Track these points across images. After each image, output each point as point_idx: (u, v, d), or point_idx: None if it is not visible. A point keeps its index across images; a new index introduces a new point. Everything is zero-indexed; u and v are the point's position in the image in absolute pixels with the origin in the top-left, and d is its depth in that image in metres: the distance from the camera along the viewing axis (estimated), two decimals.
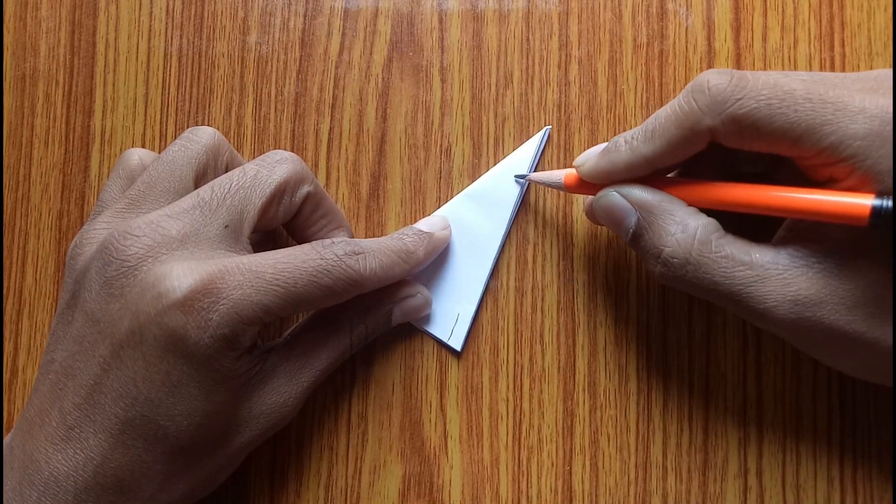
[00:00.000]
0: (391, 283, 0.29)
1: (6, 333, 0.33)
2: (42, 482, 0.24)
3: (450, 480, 0.31)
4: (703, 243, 0.25)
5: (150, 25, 0.34)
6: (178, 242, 0.25)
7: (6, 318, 0.33)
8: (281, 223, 0.29)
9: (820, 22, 0.32)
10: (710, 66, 0.32)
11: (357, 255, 0.27)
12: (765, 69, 0.32)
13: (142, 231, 0.25)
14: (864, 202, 0.23)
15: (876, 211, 0.22)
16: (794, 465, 0.30)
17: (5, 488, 0.25)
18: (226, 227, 0.26)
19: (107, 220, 0.27)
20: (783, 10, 0.32)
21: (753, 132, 0.24)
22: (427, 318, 0.31)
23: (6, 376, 0.33)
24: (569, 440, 0.31)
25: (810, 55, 0.32)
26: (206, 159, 0.28)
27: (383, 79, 0.33)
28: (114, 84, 0.34)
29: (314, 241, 0.27)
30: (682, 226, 0.25)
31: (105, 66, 0.34)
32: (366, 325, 0.30)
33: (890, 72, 0.25)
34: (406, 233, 0.30)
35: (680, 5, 0.32)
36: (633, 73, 0.32)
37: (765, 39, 0.32)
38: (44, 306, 0.33)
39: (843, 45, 0.32)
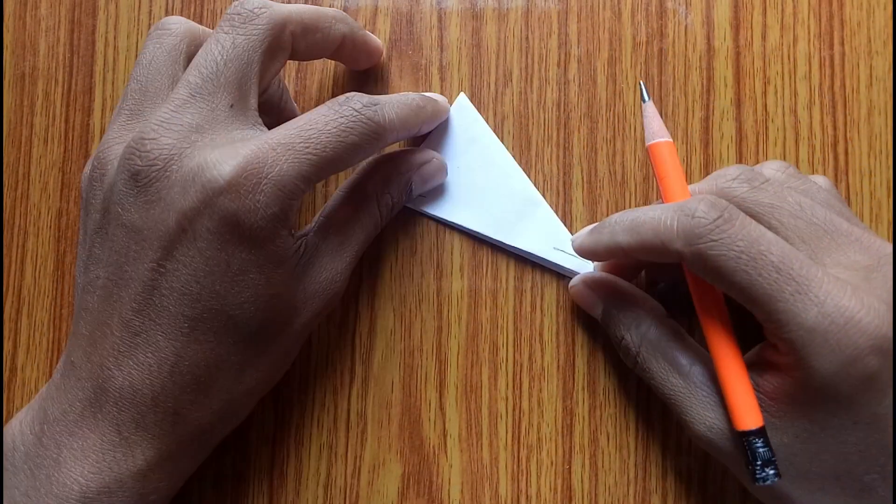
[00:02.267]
0: (408, 136, 0.30)
1: (5, 332, 0.33)
2: (117, 388, 0.24)
3: (449, 479, 0.31)
4: (651, 343, 0.27)
5: (150, 24, 0.34)
6: (195, 133, 0.25)
7: (5, 316, 0.33)
8: (303, 59, 0.30)
9: (819, 20, 0.32)
10: (709, 65, 0.32)
11: (374, 105, 0.27)
12: (764, 67, 0.32)
13: (156, 132, 0.25)
14: (750, 421, 0.24)
15: (747, 442, 0.24)
16: None
17: (78, 398, 0.25)
18: (231, 106, 0.26)
19: (114, 135, 0.27)
20: (782, 9, 0.32)
21: (715, 276, 0.24)
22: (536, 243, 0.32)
23: (5, 375, 0.33)
24: (568, 439, 0.31)
25: (810, 53, 0.32)
26: (185, 47, 0.27)
27: (383, 77, 0.33)
28: (113, 83, 0.34)
29: (329, 101, 0.26)
30: (637, 321, 0.28)
31: (104, 64, 0.34)
32: (390, 195, 0.30)
33: None
34: (409, 93, 0.30)
35: (679, 4, 0.32)
36: (633, 71, 0.32)
37: (764, 38, 0.32)
38: (43, 305, 0.33)
39: (842, 44, 0.32)
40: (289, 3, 0.34)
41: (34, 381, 0.33)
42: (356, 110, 0.26)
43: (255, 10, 0.26)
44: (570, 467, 0.31)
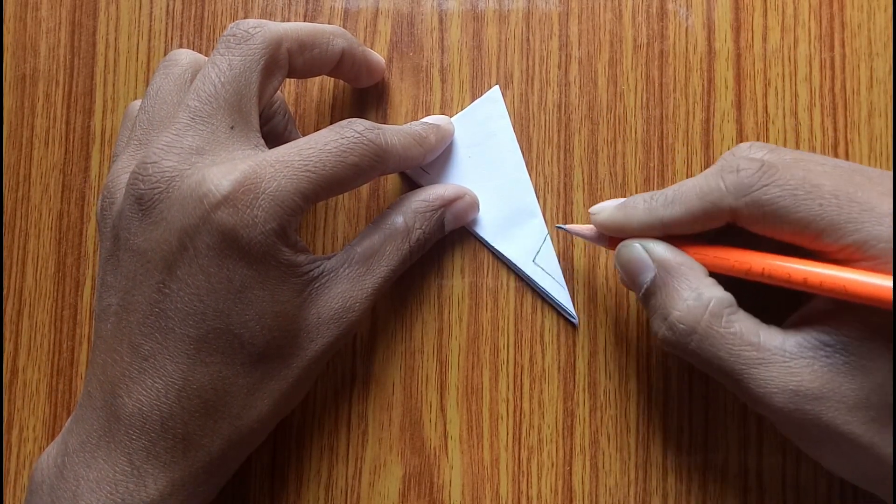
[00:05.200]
0: (410, 166, 0.30)
1: (6, 334, 0.33)
2: (127, 416, 0.24)
3: (450, 480, 0.31)
4: (715, 315, 0.24)
5: (150, 26, 0.34)
6: (196, 155, 0.25)
7: (6, 318, 0.33)
8: (302, 76, 0.30)
9: (820, 22, 0.32)
10: (710, 67, 0.32)
11: (376, 129, 0.27)
12: (765, 69, 0.32)
13: (158, 156, 0.25)
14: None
15: None
16: (794, 465, 0.30)
17: (94, 428, 0.25)
18: (232, 128, 0.26)
19: (123, 164, 0.27)
20: (783, 11, 0.32)
21: (776, 219, 0.24)
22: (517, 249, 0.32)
23: (6, 376, 0.33)
24: (569, 440, 0.31)
25: (810, 55, 0.32)
26: (190, 76, 0.28)
27: (384, 79, 0.33)
28: (114, 84, 0.34)
29: (332, 125, 0.27)
30: (696, 293, 0.25)
31: (105, 66, 0.34)
32: (422, 230, 0.29)
33: None
34: (413, 124, 0.30)
35: (680, 5, 0.32)
36: (634, 73, 0.32)
37: (765, 39, 0.32)
38: (44, 306, 0.33)
39: (843, 46, 0.32)
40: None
41: (35, 383, 0.33)
42: (357, 132, 0.26)
43: (250, 31, 0.27)
44: (570, 468, 0.31)
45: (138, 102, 0.29)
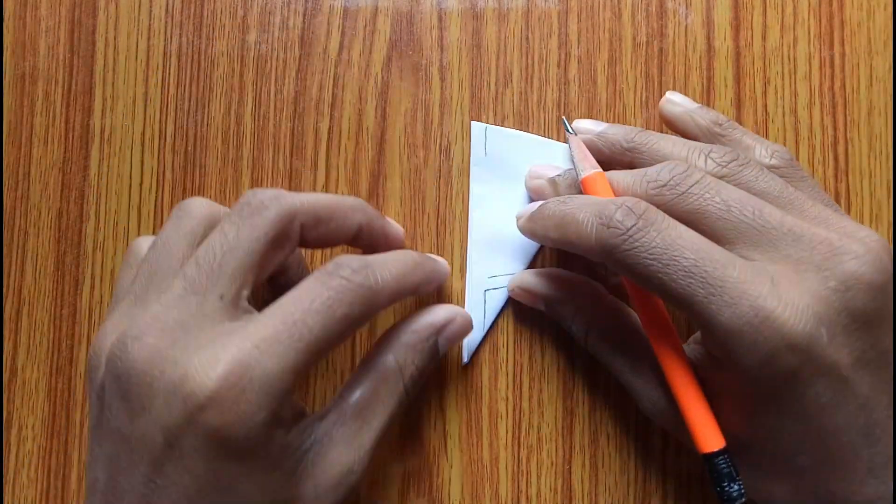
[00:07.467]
0: (410, 292, 0.27)
1: (5, 332, 0.33)
2: None
3: (449, 479, 0.31)
4: (599, 329, 0.30)
5: (150, 24, 0.34)
6: (180, 331, 0.24)
7: (5, 316, 0.33)
8: (315, 248, 0.30)
9: (819, 21, 0.32)
10: (709, 65, 0.32)
11: (366, 268, 0.25)
12: (764, 68, 0.32)
13: (140, 331, 0.24)
14: (713, 443, 0.24)
15: (712, 464, 0.24)
16: None
17: None
18: (221, 297, 0.25)
19: (116, 320, 0.26)
20: (783, 9, 0.32)
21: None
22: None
23: (5, 375, 0.33)
24: (568, 439, 0.31)
25: (810, 54, 0.32)
26: (201, 231, 0.27)
27: (383, 78, 0.33)
28: (113, 83, 0.34)
29: (318, 271, 0.25)
30: (580, 310, 0.30)
31: (104, 64, 0.34)
32: (415, 365, 0.27)
33: (873, 239, 0.24)
34: (405, 250, 0.29)
35: (679, 4, 0.32)
36: (633, 71, 0.32)
37: (764, 38, 0.32)
38: (43, 305, 0.33)
39: (842, 44, 0.32)
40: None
41: (34, 382, 0.33)
42: (345, 278, 0.24)
43: (266, 202, 0.25)
44: (570, 468, 0.31)
45: (144, 240, 0.28)
